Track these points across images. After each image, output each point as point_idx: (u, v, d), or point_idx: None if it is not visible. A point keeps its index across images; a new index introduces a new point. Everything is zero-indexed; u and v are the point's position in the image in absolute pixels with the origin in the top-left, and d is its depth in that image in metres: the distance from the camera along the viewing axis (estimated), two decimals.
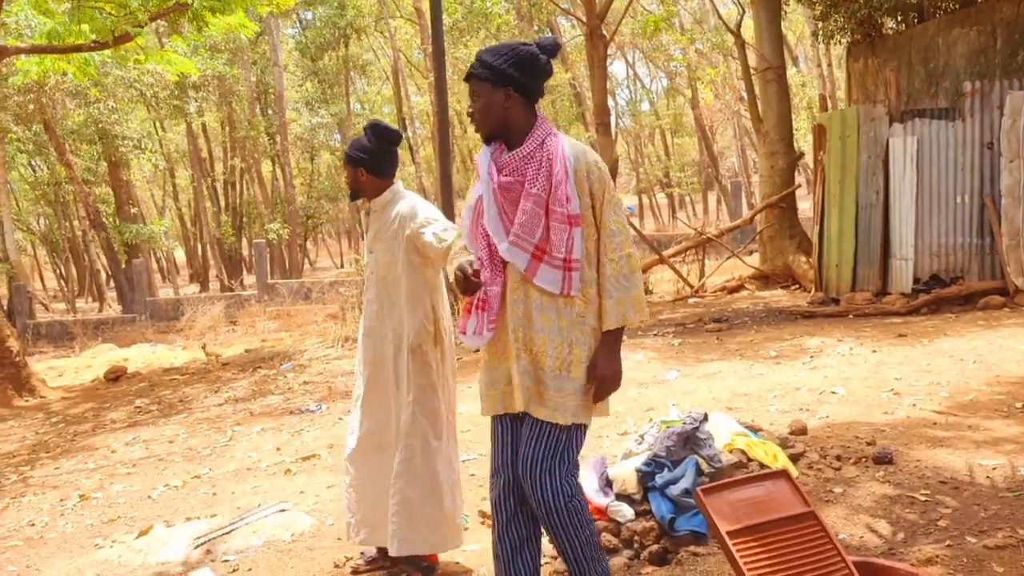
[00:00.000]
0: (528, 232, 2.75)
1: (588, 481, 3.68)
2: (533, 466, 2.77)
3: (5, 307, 21.91)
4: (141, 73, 19.86)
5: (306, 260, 35.31)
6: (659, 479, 3.63)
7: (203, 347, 13.29)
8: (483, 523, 4.19)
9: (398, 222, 3.56)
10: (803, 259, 11.93)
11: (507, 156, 2.81)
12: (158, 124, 30.53)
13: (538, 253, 2.75)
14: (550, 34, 27.58)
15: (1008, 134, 8.65)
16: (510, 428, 2.90)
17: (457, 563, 3.75)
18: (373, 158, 3.60)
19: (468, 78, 2.81)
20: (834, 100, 25.83)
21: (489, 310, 2.82)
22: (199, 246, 34.35)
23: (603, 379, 2.76)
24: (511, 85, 2.75)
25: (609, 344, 2.78)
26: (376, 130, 3.62)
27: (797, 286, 12.04)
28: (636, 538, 3.50)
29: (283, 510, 4.61)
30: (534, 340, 2.78)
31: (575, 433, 2.82)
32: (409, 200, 3.62)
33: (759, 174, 14.39)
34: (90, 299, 33.99)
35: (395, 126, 3.81)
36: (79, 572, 4.17)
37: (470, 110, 2.83)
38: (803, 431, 4.56)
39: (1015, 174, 8.62)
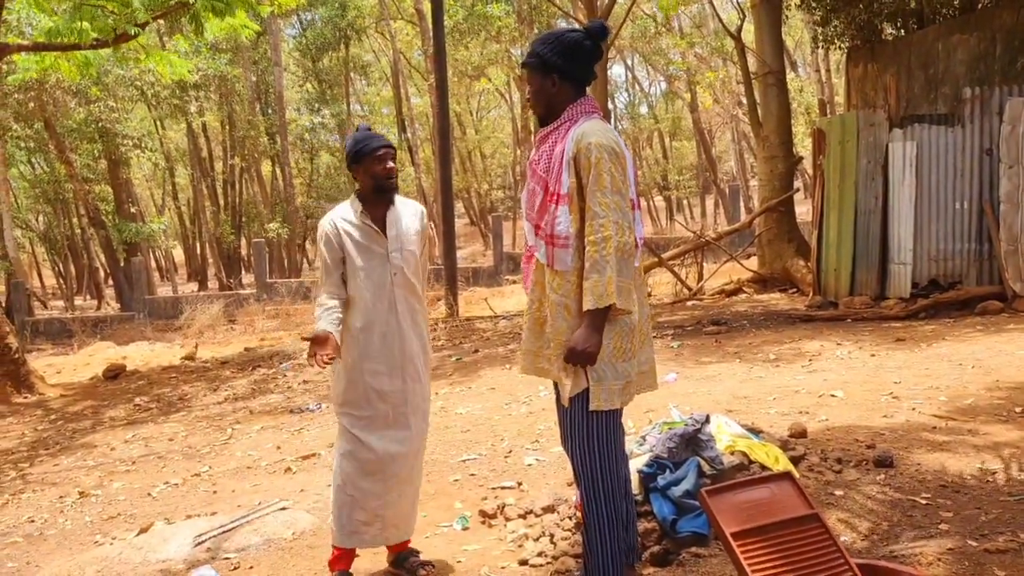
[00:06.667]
0: (530, 206, 2.94)
1: None
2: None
3: (4, 304, 21.79)
4: (142, 72, 19.89)
5: (304, 260, 35.31)
6: (661, 480, 3.64)
7: (194, 347, 13.28)
8: (483, 523, 4.20)
9: (420, 214, 3.68)
10: (801, 263, 11.96)
11: (539, 137, 2.97)
12: (158, 123, 30.53)
13: (539, 227, 2.91)
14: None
15: (1007, 140, 8.68)
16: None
17: (459, 562, 3.76)
18: None
19: (523, 66, 2.97)
20: (832, 105, 25.87)
21: (526, 279, 3.05)
22: (198, 245, 34.34)
23: (570, 347, 2.77)
24: (555, 72, 2.87)
25: (587, 320, 2.76)
26: None
27: (795, 290, 12.06)
28: (638, 539, 3.51)
29: (284, 508, 4.62)
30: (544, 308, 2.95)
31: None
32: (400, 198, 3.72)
33: (758, 178, 14.42)
34: (88, 297, 33.95)
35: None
36: (79, 569, 4.16)
37: (527, 95, 3.01)
38: (803, 434, 4.57)
39: (1014, 180, 8.65)
